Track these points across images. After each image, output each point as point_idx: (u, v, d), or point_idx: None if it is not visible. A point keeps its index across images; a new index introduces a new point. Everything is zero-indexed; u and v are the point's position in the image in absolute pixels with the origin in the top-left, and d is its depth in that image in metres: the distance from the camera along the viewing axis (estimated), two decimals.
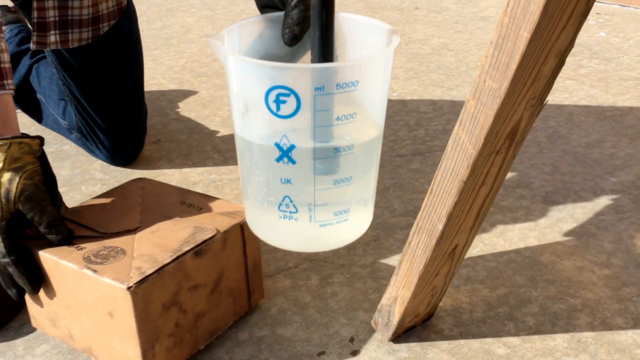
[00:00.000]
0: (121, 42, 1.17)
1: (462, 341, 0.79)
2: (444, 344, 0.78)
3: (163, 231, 0.76)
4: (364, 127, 0.68)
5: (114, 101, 1.18)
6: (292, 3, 0.69)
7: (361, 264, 0.93)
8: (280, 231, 0.71)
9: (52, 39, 1.08)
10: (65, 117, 1.25)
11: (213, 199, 0.83)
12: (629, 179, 1.13)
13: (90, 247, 0.73)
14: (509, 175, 1.15)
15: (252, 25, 0.72)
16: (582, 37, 1.81)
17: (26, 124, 1.37)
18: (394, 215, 1.04)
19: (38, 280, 0.75)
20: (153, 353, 0.71)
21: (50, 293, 0.76)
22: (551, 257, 0.93)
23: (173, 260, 0.70)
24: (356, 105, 0.65)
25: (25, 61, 1.32)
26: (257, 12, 0.79)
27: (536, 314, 0.83)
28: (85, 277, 0.70)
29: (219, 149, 1.29)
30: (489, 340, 0.79)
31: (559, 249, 0.95)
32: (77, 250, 0.73)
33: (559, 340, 0.78)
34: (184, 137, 1.35)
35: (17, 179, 0.72)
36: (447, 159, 0.64)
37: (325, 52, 0.65)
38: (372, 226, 1.01)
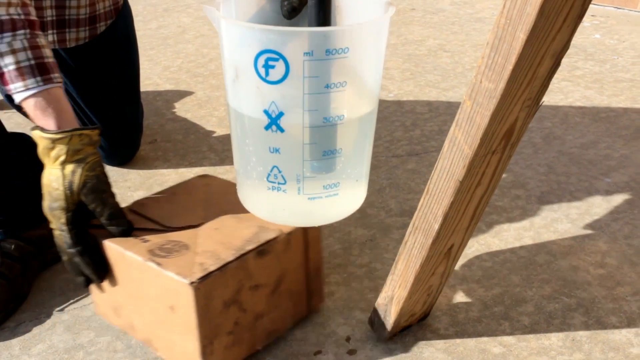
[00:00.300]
0: (117, 42, 1.17)
1: (458, 340, 0.79)
2: (440, 343, 0.79)
3: (226, 229, 0.75)
4: (355, 99, 0.67)
5: (110, 101, 1.18)
6: None
7: (357, 263, 0.94)
8: (269, 203, 0.70)
9: (50, 38, 1.08)
10: None
11: None
12: (623, 179, 1.14)
13: (155, 240, 0.74)
14: (505, 175, 1.15)
15: None
16: (577, 39, 1.82)
17: (21, 123, 1.37)
18: (390, 215, 1.05)
19: (103, 269, 0.76)
20: (212, 349, 0.70)
21: (114, 282, 0.76)
22: (546, 257, 0.94)
23: (236, 259, 0.70)
24: (347, 74, 0.64)
25: None
26: None
27: (531, 313, 0.83)
28: (149, 269, 0.70)
29: (215, 149, 1.29)
30: (484, 339, 0.79)
31: (554, 248, 0.96)
32: (142, 242, 0.73)
33: (554, 339, 0.79)
34: (180, 137, 1.35)
35: (79, 170, 0.72)
36: (444, 159, 0.64)
37: None
38: (368, 226, 1.02)
